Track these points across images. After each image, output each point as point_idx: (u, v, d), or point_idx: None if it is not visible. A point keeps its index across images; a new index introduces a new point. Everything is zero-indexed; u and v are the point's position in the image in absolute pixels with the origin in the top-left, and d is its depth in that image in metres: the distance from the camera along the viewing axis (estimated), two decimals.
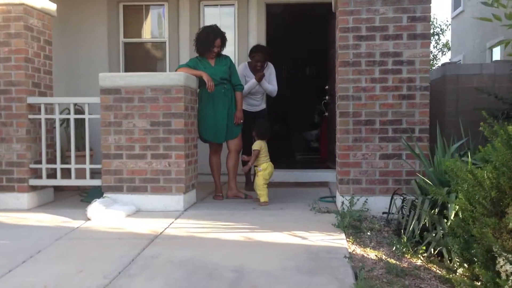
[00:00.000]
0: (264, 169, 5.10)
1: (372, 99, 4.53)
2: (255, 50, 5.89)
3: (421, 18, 4.46)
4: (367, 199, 4.48)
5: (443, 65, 8.85)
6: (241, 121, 5.46)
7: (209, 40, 5.28)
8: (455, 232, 2.76)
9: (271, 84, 5.99)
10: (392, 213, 4.22)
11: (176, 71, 5.23)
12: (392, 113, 4.52)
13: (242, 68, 6.00)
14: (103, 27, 6.98)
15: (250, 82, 5.90)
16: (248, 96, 5.98)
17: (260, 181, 5.08)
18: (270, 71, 6.02)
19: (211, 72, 5.26)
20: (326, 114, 7.71)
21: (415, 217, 3.64)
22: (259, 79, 5.84)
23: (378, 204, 4.52)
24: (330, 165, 7.25)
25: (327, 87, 7.61)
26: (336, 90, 4.85)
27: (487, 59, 12.71)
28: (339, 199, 4.64)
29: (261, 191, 5.06)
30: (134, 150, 4.77)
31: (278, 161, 5.97)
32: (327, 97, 7.58)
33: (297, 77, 11.49)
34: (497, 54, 12.02)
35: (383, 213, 4.35)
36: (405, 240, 3.59)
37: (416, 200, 3.83)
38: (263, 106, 6.19)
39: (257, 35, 6.78)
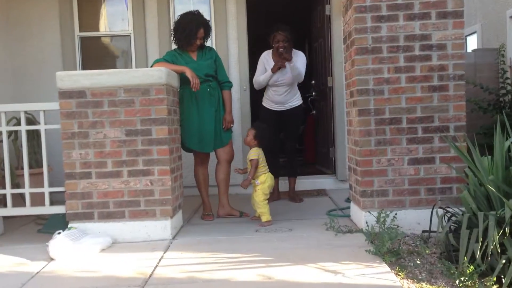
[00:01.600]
0: (263, 181, 4.24)
1: (397, 92, 3.76)
2: (276, 29, 4.87)
3: None
4: (396, 213, 3.70)
5: None
6: (231, 125, 4.58)
7: (190, 30, 4.36)
8: None
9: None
10: (435, 232, 3.46)
11: (151, 66, 4.30)
12: (421, 109, 3.76)
13: (264, 56, 5.08)
14: (54, 21, 5.92)
15: (266, 73, 4.97)
16: (270, 89, 5.06)
17: (259, 197, 4.21)
18: (296, 58, 4.96)
19: (194, 67, 4.36)
20: (314, 112, 6.92)
21: (479, 239, 2.88)
22: (282, 62, 4.83)
23: (409, 219, 3.76)
24: (323, 170, 6.47)
25: (313, 82, 6.82)
26: (349, 83, 4.05)
27: None
28: (360, 215, 3.84)
29: (262, 208, 4.20)
30: (106, 167, 3.81)
31: None
32: (313, 93, 6.80)
33: None
34: (473, 42, 11.59)
35: (423, 231, 3.58)
36: (471, 269, 2.83)
37: (475, 217, 3.08)
38: (295, 103, 5.16)
39: (237, 25, 5.90)
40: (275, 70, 4.90)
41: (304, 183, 5.96)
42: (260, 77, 4.98)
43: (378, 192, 3.79)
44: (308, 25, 7.31)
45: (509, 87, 5.75)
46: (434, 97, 3.74)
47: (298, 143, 9.64)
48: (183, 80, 4.34)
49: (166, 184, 3.82)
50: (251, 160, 4.21)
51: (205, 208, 4.61)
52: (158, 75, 3.79)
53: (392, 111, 3.76)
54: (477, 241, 2.87)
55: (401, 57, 3.74)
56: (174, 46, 5.79)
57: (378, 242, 3.32)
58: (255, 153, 4.23)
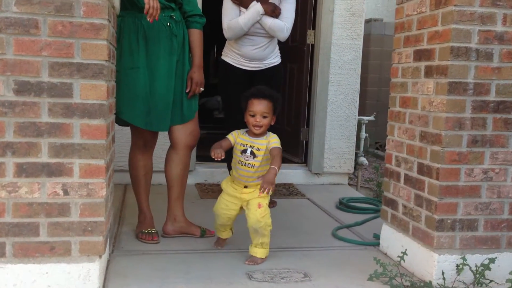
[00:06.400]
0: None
1: None
2: None
3: None
4: (488, 260, 2.24)
5: (367, 22, 7.04)
6: (201, 89, 2.76)
7: None
8: None
9: (282, 17, 3.30)
10: None
11: None
12: None
13: None
14: None
15: (250, 9, 3.20)
16: (245, 39, 3.28)
17: (268, 218, 2.46)
18: None
19: None
20: None
21: None
22: (271, 10, 3.23)
23: (504, 267, 2.31)
24: (287, 156, 4.84)
25: None
26: (417, 36, 2.44)
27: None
28: (429, 258, 2.31)
29: (267, 237, 2.48)
30: None
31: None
32: None
33: None
34: None
35: None
36: None
37: None
38: (275, 60, 3.48)
39: None
40: (269, 11, 3.20)
41: None
42: (241, 19, 3.21)
43: (463, 223, 2.28)
44: None
45: None
46: None
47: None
48: (123, 4, 2.47)
49: (97, 193, 1.96)
50: (273, 149, 2.44)
51: (144, 222, 2.79)
52: None
53: (500, 90, 2.24)
54: None
55: None
56: None
57: None
58: (278, 139, 2.49)
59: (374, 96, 6.99)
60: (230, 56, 3.42)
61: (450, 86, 2.20)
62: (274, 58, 3.48)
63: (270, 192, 2.31)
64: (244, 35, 3.29)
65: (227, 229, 2.64)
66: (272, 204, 3.58)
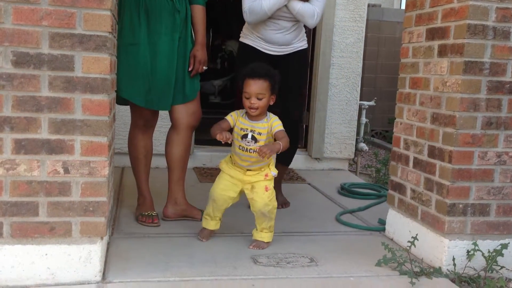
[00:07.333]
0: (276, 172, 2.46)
1: None
2: None
3: None
4: (501, 246, 2.19)
5: None
6: (204, 68, 2.66)
7: None
8: None
9: (312, 1, 3.02)
10: None
11: None
12: None
13: None
14: None
15: None
16: (268, 22, 3.03)
17: (275, 200, 2.41)
18: None
19: None
20: None
21: None
22: None
23: None
24: None
25: None
26: (431, 14, 2.35)
27: (395, 4, 11.29)
28: (439, 243, 2.25)
29: (273, 220, 2.42)
30: None
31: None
32: None
33: None
34: None
35: None
36: None
37: None
38: (301, 43, 3.19)
39: None
40: None
41: None
42: (265, 3, 2.89)
43: (474, 207, 2.22)
44: None
45: None
46: None
47: (219, 96, 7.85)
48: None
49: (99, 172, 1.87)
50: (278, 132, 2.32)
51: (144, 204, 2.71)
52: None
53: None
54: None
55: None
56: None
57: None
58: (279, 121, 2.39)
59: (371, 82, 6.93)
60: (251, 38, 3.15)
61: (466, 65, 2.12)
62: (300, 42, 3.19)
63: (265, 159, 2.26)
64: (272, 19, 3.01)
65: (216, 217, 2.47)
66: (286, 204, 3.38)
